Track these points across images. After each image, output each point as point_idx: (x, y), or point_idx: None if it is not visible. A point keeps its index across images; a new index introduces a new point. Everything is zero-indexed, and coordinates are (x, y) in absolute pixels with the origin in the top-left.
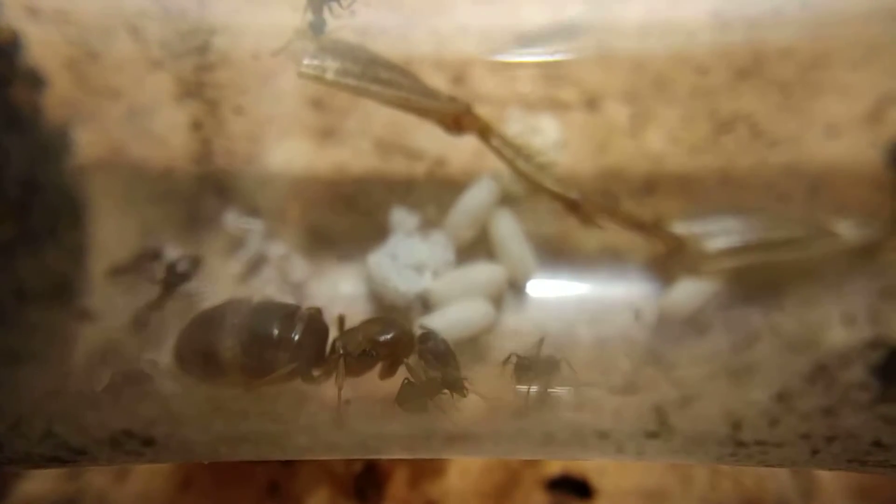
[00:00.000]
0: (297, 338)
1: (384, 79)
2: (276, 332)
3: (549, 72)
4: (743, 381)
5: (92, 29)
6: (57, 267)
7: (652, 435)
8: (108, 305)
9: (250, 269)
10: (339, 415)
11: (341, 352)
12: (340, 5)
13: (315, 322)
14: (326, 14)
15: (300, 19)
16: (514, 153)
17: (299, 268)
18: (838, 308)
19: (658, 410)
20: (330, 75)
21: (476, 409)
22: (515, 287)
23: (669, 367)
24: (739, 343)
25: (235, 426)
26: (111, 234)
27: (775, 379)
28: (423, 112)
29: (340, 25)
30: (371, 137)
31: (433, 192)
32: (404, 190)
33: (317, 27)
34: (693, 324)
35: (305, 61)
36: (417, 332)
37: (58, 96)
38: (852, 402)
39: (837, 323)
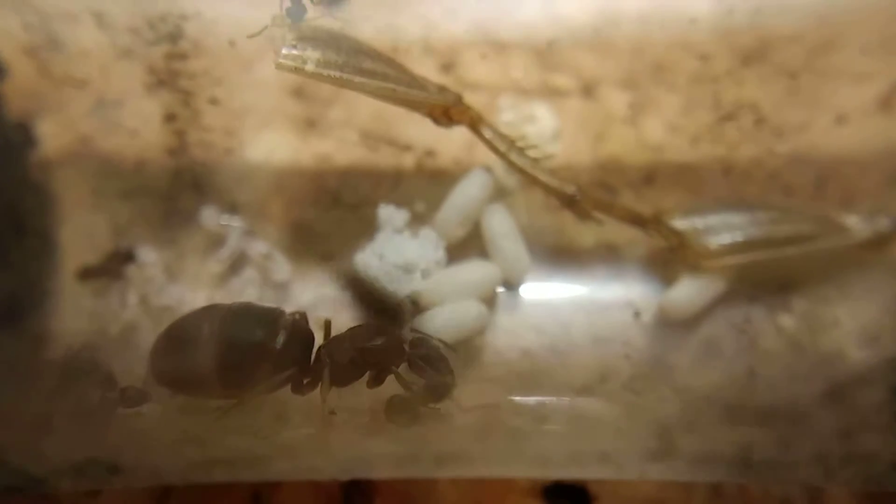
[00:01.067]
0: (280, 346)
1: (369, 69)
2: (257, 340)
3: (544, 57)
4: (753, 401)
5: (53, 14)
6: (6, 284)
7: (656, 456)
8: (77, 312)
9: (230, 270)
10: (324, 429)
11: (327, 361)
12: None
13: (299, 329)
14: (306, 0)
15: (278, 6)
16: (507, 146)
17: (282, 267)
18: (855, 322)
19: (662, 430)
20: (310, 66)
21: (467, 427)
22: (510, 286)
23: (671, 373)
24: (749, 361)
25: (209, 449)
26: (80, 233)
27: (789, 399)
28: (410, 104)
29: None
30: (356, 128)
31: (422, 186)
32: (392, 183)
33: (295, 14)
34: (698, 334)
35: (283, 51)
36: (409, 336)
37: (18, 86)
38: (871, 424)
39: (855, 340)
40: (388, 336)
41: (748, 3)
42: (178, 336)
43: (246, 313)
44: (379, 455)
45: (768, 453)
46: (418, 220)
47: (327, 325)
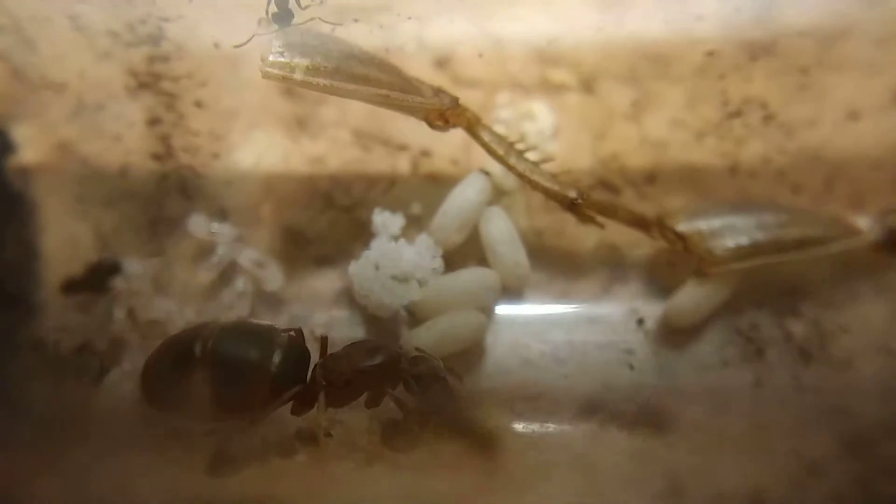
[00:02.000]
0: (275, 367)
1: (361, 74)
2: (252, 360)
3: (543, 51)
4: (767, 446)
5: (24, 17)
6: None
7: (664, 498)
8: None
9: (220, 279)
10: (321, 451)
11: (323, 382)
12: None
13: (295, 347)
14: (293, 5)
15: (264, 11)
16: (505, 149)
17: (274, 275)
18: (865, 328)
19: (670, 480)
20: (298, 75)
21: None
22: (510, 293)
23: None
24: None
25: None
26: (63, 242)
27: (804, 445)
28: (406, 108)
29: (309, 18)
30: (349, 127)
31: (418, 187)
32: (387, 184)
33: (282, 20)
34: (703, 342)
35: (270, 59)
36: (407, 352)
37: None
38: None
39: (865, 347)
40: (385, 354)
41: (757, 1)
42: (170, 356)
43: (240, 332)
44: (376, 495)
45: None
46: (414, 223)
47: (323, 342)
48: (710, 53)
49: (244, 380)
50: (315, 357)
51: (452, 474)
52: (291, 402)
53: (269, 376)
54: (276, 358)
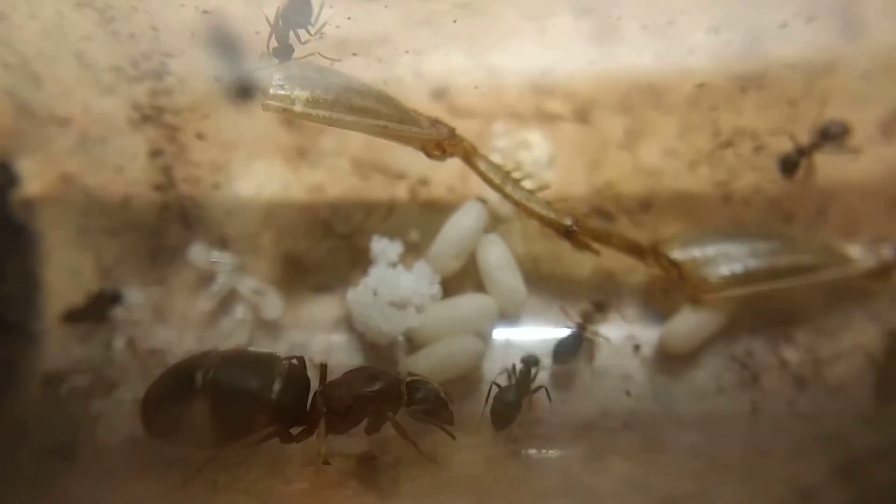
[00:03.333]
0: (276, 395)
1: (359, 106)
2: (253, 388)
3: (538, 82)
4: (762, 472)
5: (32, 54)
6: None
7: None
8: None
9: (220, 308)
10: (319, 478)
11: (323, 409)
12: (308, 32)
13: (296, 376)
14: (293, 40)
15: (264, 46)
16: (502, 178)
17: (274, 304)
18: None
19: (666, 500)
20: (298, 107)
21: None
22: (507, 319)
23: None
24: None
25: None
26: (64, 272)
27: (799, 470)
28: (403, 139)
29: (309, 52)
30: (348, 157)
31: (416, 215)
32: (385, 212)
33: (282, 54)
34: (699, 368)
35: (271, 91)
36: (405, 378)
37: None
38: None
39: (859, 372)
40: (385, 380)
41: (745, 34)
42: (171, 384)
43: (240, 360)
44: None
45: None
46: (412, 250)
47: (323, 370)
48: (701, 85)
49: (245, 408)
50: (315, 384)
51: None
52: (289, 430)
53: (269, 404)
54: (277, 386)
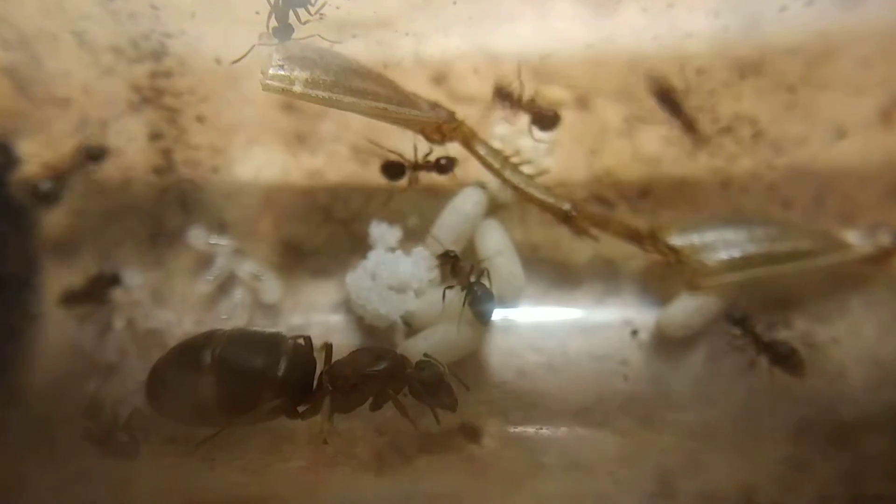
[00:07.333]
0: (282, 373)
1: (359, 88)
2: (259, 367)
3: (538, 69)
4: (756, 443)
5: (31, 34)
6: None
7: (655, 499)
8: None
9: (219, 291)
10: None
11: (328, 388)
12: (308, 11)
13: (301, 354)
14: (293, 20)
15: (264, 26)
16: (501, 162)
17: (272, 287)
18: (855, 340)
19: (662, 474)
20: (298, 87)
21: (462, 470)
22: (505, 304)
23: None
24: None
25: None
26: (64, 255)
27: (792, 441)
28: (402, 122)
29: (309, 34)
30: (347, 142)
31: (415, 200)
32: (384, 197)
33: (282, 34)
34: (696, 353)
35: (270, 72)
36: (413, 359)
37: None
38: (880, 469)
39: (855, 358)
40: (391, 359)
41: (745, 19)
42: (178, 364)
43: (247, 339)
44: (370, 499)
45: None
46: (411, 236)
47: (328, 350)
48: (700, 71)
49: (251, 386)
50: (320, 365)
51: (447, 477)
52: (294, 408)
53: (275, 382)
54: (283, 364)
